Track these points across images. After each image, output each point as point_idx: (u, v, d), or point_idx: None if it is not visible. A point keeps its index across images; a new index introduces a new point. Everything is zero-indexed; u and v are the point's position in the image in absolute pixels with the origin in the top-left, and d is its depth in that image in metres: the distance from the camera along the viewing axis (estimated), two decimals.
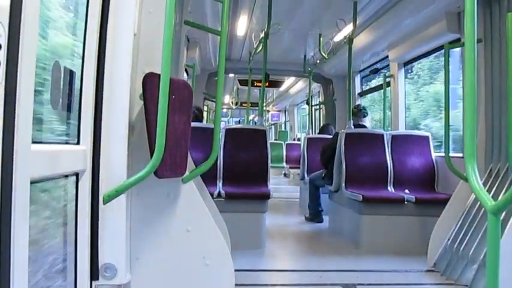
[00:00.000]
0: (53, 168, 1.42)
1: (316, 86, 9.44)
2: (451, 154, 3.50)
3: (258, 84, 8.69)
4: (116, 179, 1.78)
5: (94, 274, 1.75)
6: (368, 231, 4.14)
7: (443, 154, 3.65)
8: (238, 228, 3.52)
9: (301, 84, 10.88)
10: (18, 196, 1.06)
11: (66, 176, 1.59)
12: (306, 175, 6.21)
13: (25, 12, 1.05)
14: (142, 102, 1.97)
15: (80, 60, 1.67)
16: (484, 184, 3.28)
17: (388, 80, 6.03)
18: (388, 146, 4.76)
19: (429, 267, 3.46)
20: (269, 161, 4.46)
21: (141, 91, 1.95)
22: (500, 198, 1.48)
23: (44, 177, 1.37)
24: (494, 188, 3.24)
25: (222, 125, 9.20)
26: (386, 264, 3.60)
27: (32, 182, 1.18)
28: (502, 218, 1.45)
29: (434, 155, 4.71)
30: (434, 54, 5.45)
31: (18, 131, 1.05)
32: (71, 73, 1.61)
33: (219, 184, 4.32)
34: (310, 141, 6.51)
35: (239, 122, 20.45)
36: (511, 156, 2.80)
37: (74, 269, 1.65)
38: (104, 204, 1.74)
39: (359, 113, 5.05)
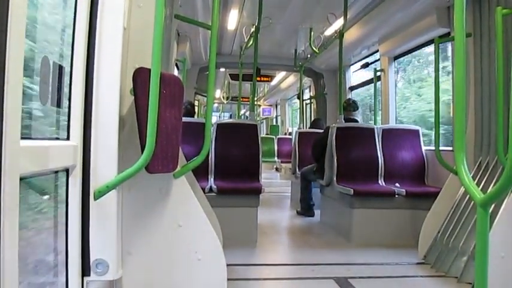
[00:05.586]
0: (42, 164, 1.40)
1: (307, 81, 9.45)
2: (441, 148, 3.53)
3: (249, 78, 8.69)
4: (107, 175, 1.77)
5: (85, 270, 1.74)
6: (359, 225, 4.17)
7: (433, 148, 3.68)
8: (230, 223, 3.52)
9: (292, 78, 10.88)
10: (7, 193, 1.05)
11: (57, 172, 1.57)
12: (297, 169, 6.22)
13: (12, 8, 1.04)
14: (132, 97, 1.95)
15: (69, 55, 1.65)
16: (473, 177, 3.32)
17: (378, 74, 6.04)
18: (378, 140, 4.78)
19: (420, 260, 3.50)
20: (260, 156, 4.46)
21: (131, 86, 1.93)
22: (489, 191, 1.50)
23: (34, 173, 1.36)
24: (484, 181, 3.28)
25: (214, 119, 9.17)
26: (377, 257, 3.63)
27: (21, 179, 1.17)
28: (490, 210, 1.47)
29: (424, 148, 4.74)
30: None
31: (7, 127, 1.04)
32: (60, 68, 1.59)
33: (211, 179, 4.30)
34: (301, 135, 6.52)
35: (230, 116, 20.41)
36: (500, 149, 2.83)
37: (65, 265, 1.64)
38: (95, 199, 1.73)
39: (349, 107, 5.07)
